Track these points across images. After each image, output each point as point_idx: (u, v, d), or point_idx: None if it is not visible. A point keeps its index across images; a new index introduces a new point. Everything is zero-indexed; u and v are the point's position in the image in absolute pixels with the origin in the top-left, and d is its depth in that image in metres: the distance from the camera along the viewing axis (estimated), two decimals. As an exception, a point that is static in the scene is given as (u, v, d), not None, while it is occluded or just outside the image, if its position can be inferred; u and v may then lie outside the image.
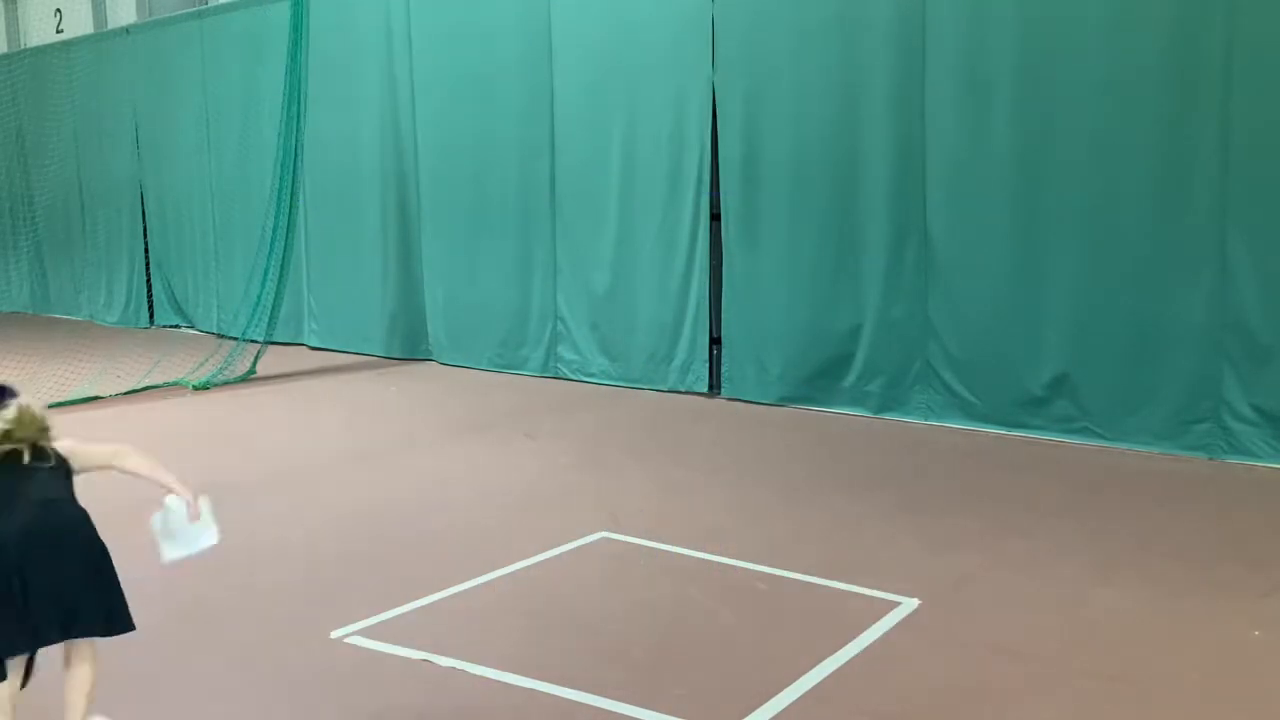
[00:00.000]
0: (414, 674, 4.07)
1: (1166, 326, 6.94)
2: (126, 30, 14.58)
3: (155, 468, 3.79)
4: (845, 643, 4.23)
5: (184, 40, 13.34)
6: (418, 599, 4.75)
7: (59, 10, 17.17)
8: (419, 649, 4.24)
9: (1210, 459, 6.81)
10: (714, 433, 8.02)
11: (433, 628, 4.46)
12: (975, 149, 7.56)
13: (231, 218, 12.88)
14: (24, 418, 3.45)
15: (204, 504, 3.77)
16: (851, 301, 8.24)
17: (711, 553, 5.30)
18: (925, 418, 7.94)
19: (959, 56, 7.57)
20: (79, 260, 15.65)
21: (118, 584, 3.49)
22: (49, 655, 3.46)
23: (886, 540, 5.49)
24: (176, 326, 14.04)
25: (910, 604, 4.62)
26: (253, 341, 10.73)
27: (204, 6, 14.15)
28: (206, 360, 10.70)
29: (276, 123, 10.70)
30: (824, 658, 4.10)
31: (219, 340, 12.19)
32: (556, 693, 3.88)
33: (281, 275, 10.64)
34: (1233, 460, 6.73)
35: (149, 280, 14.55)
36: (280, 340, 11.49)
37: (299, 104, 10.41)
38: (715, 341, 9.07)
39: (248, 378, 10.36)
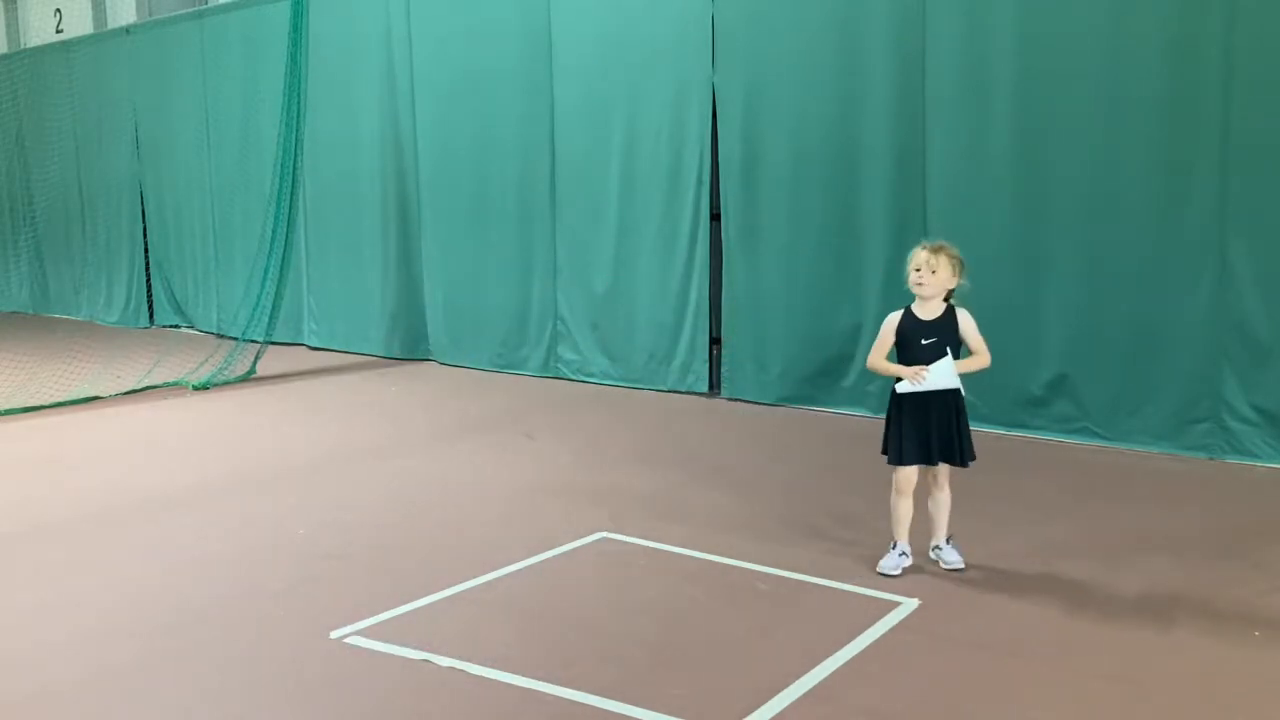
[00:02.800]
0: (414, 674, 4.07)
1: (1166, 326, 6.94)
2: (126, 30, 14.57)
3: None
4: (845, 643, 4.22)
5: (184, 40, 13.34)
6: (417, 599, 4.75)
7: (59, 10, 17.18)
8: (419, 649, 4.24)
9: (1210, 459, 6.81)
10: (714, 433, 8.02)
11: (433, 628, 4.46)
12: (975, 149, 7.56)
13: (231, 218, 12.89)
14: None
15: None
16: (851, 301, 8.24)
17: (711, 553, 5.30)
18: (925, 418, 7.93)
19: (959, 56, 7.57)
20: (79, 260, 15.64)
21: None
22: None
23: (887, 540, 5.48)
24: (176, 326, 14.04)
25: (910, 604, 4.62)
26: (253, 341, 10.73)
27: (204, 6, 14.15)
28: (206, 360, 10.71)
29: (276, 122, 10.71)
30: (824, 658, 4.10)
31: (219, 340, 12.20)
32: (556, 693, 3.88)
33: (281, 275, 10.65)
34: (1233, 460, 6.73)
35: (149, 280, 14.54)
36: (280, 340, 11.50)
37: (298, 104, 10.41)
38: (715, 341, 9.08)
39: (248, 378, 10.36)
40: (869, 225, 8.08)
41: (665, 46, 9.01)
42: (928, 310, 4.95)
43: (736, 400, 8.84)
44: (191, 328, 13.85)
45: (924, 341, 4.90)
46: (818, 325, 8.39)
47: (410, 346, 11.27)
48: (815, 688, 3.88)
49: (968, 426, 4.97)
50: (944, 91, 7.65)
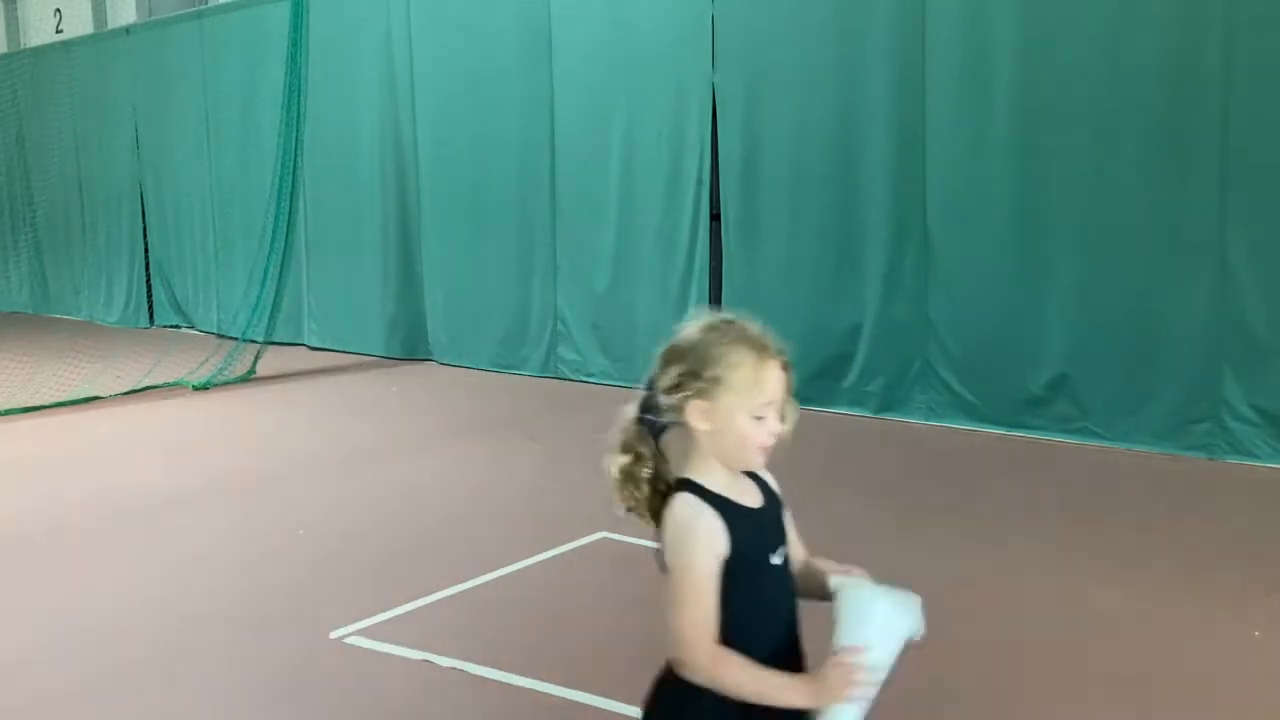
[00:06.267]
0: (414, 674, 4.07)
1: (1166, 326, 6.94)
2: (126, 30, 14.57)
3: None
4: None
5: (184, 40, 13.33)
6: (418, 599, 4.75)
7: (59, 10, 17.17)
8: (419, 649, 4.24)
9: (1210, 459, 6.80)
10: (714, 433, 7.99)
11: (433, 628, 4.46)
12: (975, 149, 7.55)
13: (231, 218, 12.88)
14: None
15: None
16: (851, 301, 8.24)
17: (711, 553, 5.29)
18: (925, 418, 7.93)
19: (959, 56, 7.56)
20: (79, 260, 15.63)
21: None
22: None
23: (886, 540, 5.48)
24: (176, 326, 14.03)
25: (910, 604, 4.61)
26: (253, 341, 10.73)
27: (204, 6, 14.15)
28: (206, 360, 10.70)
29: (276, 122, 10.71)
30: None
31: (219, 340, 12.19)
32: (556, 693, 3.88)
33: (281, 275, 10.65)
34: (1233, 460, 6.73)
35: (149, 280, 14.54)
36: (280, 340, 11.49)
37: (299, 104, 10.41)
38: (715, 341, 9.06)
39: (248, 378, 10.36)
40: (869, 225, 8.08)
41: (665, 46, 9.01)
42: (742, 488, 2.29)
43: (736, 400, 8.83)
44: (192, 328, 13.84)
45: (773, 560, 2.27)
46: (818, 325, 8.37)
47: (410, 346, 11.27)
48: (815, 688, 3.88)
49: None
50: (944, 92, 7.64)
